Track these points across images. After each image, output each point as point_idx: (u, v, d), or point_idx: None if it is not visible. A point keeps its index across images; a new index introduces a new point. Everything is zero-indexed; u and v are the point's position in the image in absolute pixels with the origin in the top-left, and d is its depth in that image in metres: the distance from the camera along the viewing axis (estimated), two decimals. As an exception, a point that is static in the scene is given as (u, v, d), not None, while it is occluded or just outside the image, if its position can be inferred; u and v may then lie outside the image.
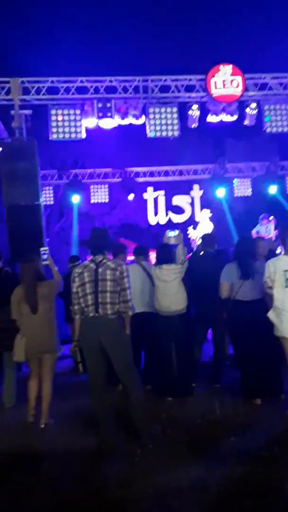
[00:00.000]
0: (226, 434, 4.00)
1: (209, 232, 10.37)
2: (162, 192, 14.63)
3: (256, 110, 9.86)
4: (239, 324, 4.87)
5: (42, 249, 5.63)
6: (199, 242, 10.32)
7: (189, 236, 12.46)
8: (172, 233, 5.71)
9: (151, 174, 14.20)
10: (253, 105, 9.78)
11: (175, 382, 5.15)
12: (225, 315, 5.30)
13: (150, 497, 2.94)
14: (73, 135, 9.74)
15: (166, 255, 5.23)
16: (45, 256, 5.19)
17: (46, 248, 6.01)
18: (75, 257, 7.86)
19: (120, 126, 10.49)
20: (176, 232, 5.70)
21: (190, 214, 14.46)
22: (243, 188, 13.95)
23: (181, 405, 4.88)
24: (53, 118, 9.73)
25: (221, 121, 10.08)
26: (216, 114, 9.93)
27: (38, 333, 4.52)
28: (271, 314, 4.37)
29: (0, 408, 5.24)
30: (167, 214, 14.66)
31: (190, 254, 6.13)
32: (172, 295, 5.13)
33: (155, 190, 14.62)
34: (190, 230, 13.37)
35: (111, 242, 4.40)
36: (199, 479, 3.20)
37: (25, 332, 4.56)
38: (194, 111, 9.78)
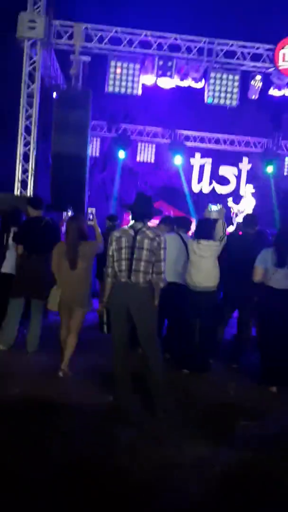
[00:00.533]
0: (238, 416, 4.03)
1: (252, 213, 10.12)
2: (209, 160, 14.34)
3: None
4: (268, 311, 4.83)
5: (89, 209, 5.90)
6: (239, 218, 10.20)
7: (230, 210, 12.27)
8: (214, 207, 5.60)
9: (202, 140, 13.88)
10: None
11: (194, 356, 5.20)
12: (255, 299, 5.26)
13: (155, 467, 3.03)
14: (129, 90, 9.56)
15: (206, 230, 5.15)
16: (90, 217, 5.26)
17: (93, 209, 6.12)
18: (114, 216, 7.85)
19: (177, 87, 10.22)
20: (219, 207, 5.59)
21: (235, 186, 14.15)
22: (294, 167, 13.51)
23: (196, 379, 4.94)
24: (112, 70, 9.56)
25: (284, 95, 9.65)
26: (279, 88, 9.52)
27: (73, 288, 4.74)
28: None
29: (24, 353, 5.44)
30: (211, 183, 14.40)
31: (229, 233, 6.04)
32: (205, 271, 5.10)
33: (202, 156, 14.32)
34: (231, 203, 13.14)
35: (155, 211, 4.35)
36: (205, 456, 3.27)
37: (61, 285, 4.79)
38: (257, 82, 9.43)
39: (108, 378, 4.28)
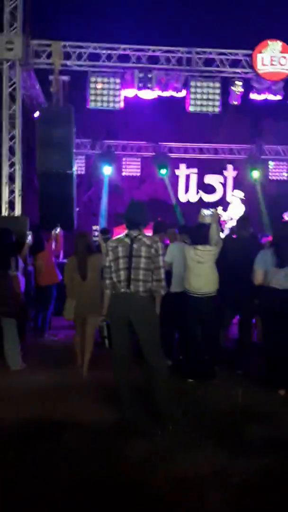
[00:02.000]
0: (249, 422, 3.93)
1: (245, 215, 10.09)
2: (194, 170, 14.36)
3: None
4: (271, 313, 4.74)
5: (94, 227, 6.29)
6: (229, 223, 10.16)
7: (219, 218, 12.23)
8: (207, 212, 5.57)
9: (185, 150, 13.93)
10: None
11: (199, 364, 5.09)
12: (256, 302, 5.18)
13: (170, 481, 2.90)
14: (111, 104, 9.54)
15: (201, 236, 5.10)
16: (96, 233, 5.73)
17: (97, 226, 6.59)
18: (106, 230, 7.78)
19: (157, 98, 10.24)
20: (212, 211, 5.55)
21: (222, 194, 14.17)
22: (278, 171, 13.57)
23: (203, 388, 4.81)
24: (92, 85, 9.54)
25: (265, 99, 9.71)
26: (260, 92, 9.57)
27: (86, 297, 5.23)
28: None
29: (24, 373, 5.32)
30: (197, 193, 14.41)
31: (224, 236, 5.99)
32: (205, 277, 5.02)
33: (187, 167, 14.35)
34: (220, 210, 13.11)
35: (149, 218, 4.28)
36: (221, 466, 3.15)
37: (75, 295, 5.34)
38: (237, 87, 9.48)
39: (112, 394, 4.15)
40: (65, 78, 10.66)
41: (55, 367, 5.73)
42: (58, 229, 7.87)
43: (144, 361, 3.99)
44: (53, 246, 7.89)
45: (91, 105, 9.61)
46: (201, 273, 5.01)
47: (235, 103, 9.81)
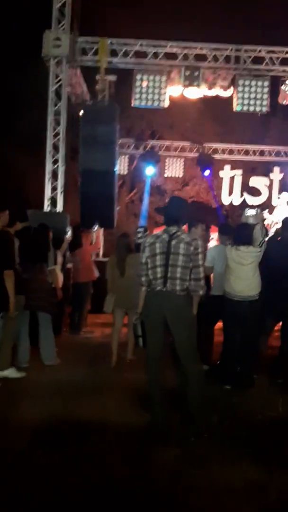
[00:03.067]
0: (289, 435, 3.67)
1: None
2: (239, 172, 14.03)
3: None
4: None
5: (138, 229, 6.93)
6: (274, 227, 9.81)
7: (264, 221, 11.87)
8: (251, 212, 5.33)
9: (230, 152, 13.62)
10: None
11: (236, 371, 4.85)
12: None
13: (203, 493, 2.71)
14: (156, 103, 9.42)
15: (246, 236, 4.85)
16: (139, 235, 6.41)
17: (141, 229, 7.02)
18: (145, 228, 7.64)
19: (203, 98, 10.05)
20: (256, 211, 5.31)
21: (267, 197, 13.76)
22: None
23: (240, 396, 4.58)
24: (138, 83, 9.45)
25: (316, 99, 9.32)
26: (311, 91, 9.20)
27: (124, 292, 5.47)
28: None
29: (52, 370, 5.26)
30: (242, 195, 14.06)
31: (267, 238, 5.72)
32: (247, 280, 4.77)
33: (232, 168, 14.03)
34: (265, 214, 12.75)
35: (189, 215, 4.10)
36: (257, 480, 2.92)
37: (115, 290, 5.68)
38: (287, 87, 9.12)
39: (144, 396, 4.00)
40: (112, 78, 10.68)
41: (89, 365, 5.67)
42: (97, 227, 7.84)
43: (179, 364, 3.82)
44: (92, 243, 7.85)
45: (136, 103, 9.52)
46: (242, 275, 4.77)
47: (285, 102, 9.47)
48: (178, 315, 3.70)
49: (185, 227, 4.60)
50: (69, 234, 7.35)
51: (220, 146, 13.65)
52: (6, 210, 4.76)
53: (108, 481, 2.78)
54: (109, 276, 5.91)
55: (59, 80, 9.31)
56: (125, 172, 14.29)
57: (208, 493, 2.70)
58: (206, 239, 5.96)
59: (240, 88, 9.30)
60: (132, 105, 9.69)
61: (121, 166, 13.44)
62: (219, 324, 5.43)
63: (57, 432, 3.48)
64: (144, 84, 9.38)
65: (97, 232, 7.45)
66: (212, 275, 5.48)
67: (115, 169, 8.94)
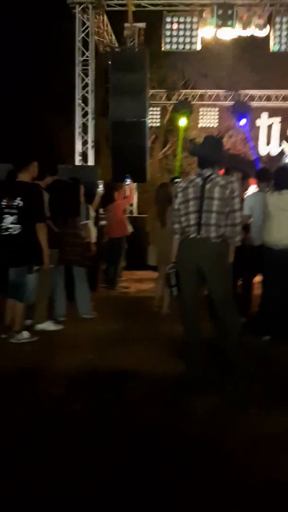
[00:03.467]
0: None
1: None
2: (277, 119, 13.36)
3: None
4: None
5: (176, 179, 6.52)
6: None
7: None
8: None
9: (268, 98, 12.94)
10: None
11: (276, 321, 4.71)
12: None
13: (237, 439, 2.65)
14: (187, 46, 8.93)
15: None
16: (177, 185, 6.10)
17: (179, 179, 6.68)
18: (179, 177, 7.43)
19: (238, 42, 9.47)
20: None
21: (308, 145, 13.13)
22: None
23: (278, 347, 4.46)
24: (168, 26, 8.96)
25: None
26: None
27: (166, 244, 5.08)
28: None
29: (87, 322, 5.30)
30: (280, 144, 13.45)
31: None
32: None
33: (270, 116, 13.37)
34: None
35: (225, 157, 3.87)
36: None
37: (156, 242, 5.81)
38: None
39: (179, 346, 3.94)
40: (141, 24, 10.18)
41: (125, 319, 5.67)
42: (129, 181, 7.66)
43: (215, 315, 3.71)
44: (124, 198, 7.71)
45: (166, 47, 9.06)
46: (283, 222, 4.53)
47: None
48: (213, 263, 3.54)
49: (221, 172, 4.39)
50: (101, 189, 7.22)
51: (256, 92, 12.99)
52: (35, 161, 4.64)
53: (143, 428, 2.76)
54: (149, 228, 6.08)
55: (86, 28, 8.95)
56: (158, 124, 13.87)
57: (246, 438, 2.64)
58: (243, 189, 5.69)
59: (277, 26, 8.70)
60: (162, 49, 9.22)
61: (153, 119, 13.06)
62: (258, 278, 5.28)
63: (93, 380, 3.49)
64: (175, 26, 8.88)
65: (130, 186, 7.27)
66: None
67: (146, 119, 8.64)
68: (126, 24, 10.01)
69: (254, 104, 12.88)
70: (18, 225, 4.43)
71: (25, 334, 4.63)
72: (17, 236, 4.44)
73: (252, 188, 6.05)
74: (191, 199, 3.54)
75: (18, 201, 4.42)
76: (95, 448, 2.53)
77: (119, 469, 2.31)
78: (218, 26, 8.69)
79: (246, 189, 5.90)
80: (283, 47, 8.80)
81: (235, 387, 3.37)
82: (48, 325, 5.05)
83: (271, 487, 2.20)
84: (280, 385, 3.50)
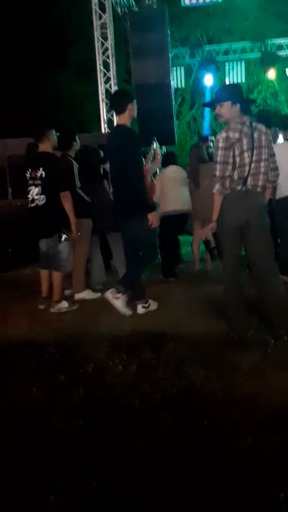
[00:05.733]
0: None
1: None
2: (308, 68, 12.69)
3: None
4: None
5: (209, 137, 6.75)
6: None
7: None
8: None
9: (297, 46, 12.27)
10: None
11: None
12: None
13: (286, 392, 2.59)
14: (208, -1, 8.50)
15: None
16: (211, 144, 6.24)
17: (212, 137, 6.79)
18: (207, 138, 7.19)
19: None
20: None
21: None
22: None
23: None
24: (187, -22, 8.54)
25: None
26: None
27: (201, 204, 5.56)
28: None
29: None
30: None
31: None
32: None
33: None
34: None
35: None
36: None
37: (192, 202, 5.85)
38: None
39: (219, 305, 3.88)
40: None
41: (163, 282, 5.65)
42: (155, 144, 7.46)
43: (256, 273, 3.61)
44: (150, 162, 7.54)
45: (186, 1, 8.67)
46: None
47: None
48: (261, 215, 3.45)
49: None
50: None
51: (285, 41, 12.32)
52: (51, 129, 4.57)
53: (187, 385, 2.74)
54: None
55: (102, -11, 8.65)
56: (183, 86, 13.45)
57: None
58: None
59: None
60: (182, 4, 8.84)
61: (178, 80, 12.66)
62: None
63: (134, 342, 3.49)
64: (194, -23, 8.46)
65: (156, 150, 7.08)
66: None
67: (170, 80, 8.37)
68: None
69: (283, 53, 12.24)
70: (42, 196, 4.44)
71: (65, 303, 4.69)
72: (43, 207, 4.45)
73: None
74: (246, 150, 3.36)
75: (41, 171, 4.41)
76: (141, 403, 2.54)
77: (163, 429, 2.31)
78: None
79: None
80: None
81: (279, 341, 3.30)
82: (87, 294, 5.09)
83: None
84: None
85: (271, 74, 12.27)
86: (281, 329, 3.41)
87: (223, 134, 3.39)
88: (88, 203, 5.01)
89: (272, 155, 3.50)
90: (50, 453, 2.16)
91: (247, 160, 3.36)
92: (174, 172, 5.93)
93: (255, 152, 3.36)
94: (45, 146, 4.53)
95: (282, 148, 5.01)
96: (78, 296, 5.06)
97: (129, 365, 3.05)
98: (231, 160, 3.37)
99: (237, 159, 3.36)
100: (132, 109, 4.18)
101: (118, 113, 4.26)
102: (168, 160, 6.13)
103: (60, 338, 3.72)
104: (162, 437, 2.23)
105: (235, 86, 3.84)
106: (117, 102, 4.31)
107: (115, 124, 8.87)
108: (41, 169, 4.43)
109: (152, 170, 7.54)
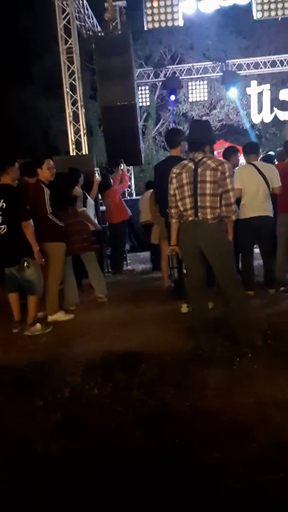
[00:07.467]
0: None
1: None
2: (267, 86, 13.25)
3: None
4: None
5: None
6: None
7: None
8: None
9: (256, 65, 12.81)
10: None
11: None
12: None
13: (249, 407, 2.82)
14: (169, 23, 8.89)
15: None
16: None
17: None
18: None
19: (221, 11, 9.33)
20: None
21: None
22: None
23: (285, 316, 4.62)
24: (148, 5, 8.90)
25: None
26: None
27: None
28: None
29: (97, 309, 5.46)
30: (272, 111, 13.37)
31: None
32: None
33: (259, 84, 13.27)
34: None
35: (214, 138, 3.96)
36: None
37: (159, 222, 5.86)
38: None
39: (186, 325, 4.10)
40: (121, 3, 10.08)
41: (133, 300, 5.85)
42: (123, 165, 7.71)
43: (220, 292, 3.85)
44: (120, 183, 7.78)
45: (149, 26, 9.02)
46: None
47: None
48: (212, 243, 3.67)
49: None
50: (97, 176, 7.30)
51: (244, 60, 12.85)
52: (16, 163, 4.72)
53: (158, 405, 2.93)
54: (153, 210, 6.30)
55: (67, 15, 8.89)
56: (148, 104, 13.80)
57: (255, 408, 2.80)
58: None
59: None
60: (145, 28, 9.16)
61: (142, 98, 12.99)
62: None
63: (107, 364, 3.65)
64: (155, 4, 8.81)
65: (124, 171, 7.32)
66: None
67: (136, 102, 8.65)
68: (106, 4, 9.91)
69: (243, 73, 12.76)
70: (3, 225, 4.57)
71: (38, 326, 4.81)
72: (4, 236, 4.59)
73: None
74: (186, 184, 3.65)
75: (2, 203, 4.55)
76: (117, 425, 2.71)
77: (137, 445, 2.49)
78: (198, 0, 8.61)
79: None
80: (266, 14, 8.70)
81: (243, 358, 3.53)
82: (60, 316, 5.23)
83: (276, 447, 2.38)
84: (286, 353, 3.65)
85: (232, 92, 12.72)
86: (245, 347, 3.64)
87: (172, 169, 3.76)
88: (60, 227, 5.17)
89: (225, 191, 3.59)
90: (31, 476, 2.31)
91: (186, 194, 3.64)
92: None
93: (198, 186, 3.59)
94: (6, 179, 4.65)
95: (245, 172, 5.31)
96: (52, 318, 5.19)
97: (104, 388, 3.22)
98: (172, 192, 3.75)
99: (177, 192, 3.71)
100: (183, 145, 4.85)
101: (172, 148, 5.03)
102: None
103: (36, 362, 3.85)
104: (136, 453, 2.42)
105: (190, 128, 3.96)
106: (172, 139, 5.01)
107: (83, 145, 9.15)
108: (1, 200, 4.56)
109: (120, 191, 7.78)
